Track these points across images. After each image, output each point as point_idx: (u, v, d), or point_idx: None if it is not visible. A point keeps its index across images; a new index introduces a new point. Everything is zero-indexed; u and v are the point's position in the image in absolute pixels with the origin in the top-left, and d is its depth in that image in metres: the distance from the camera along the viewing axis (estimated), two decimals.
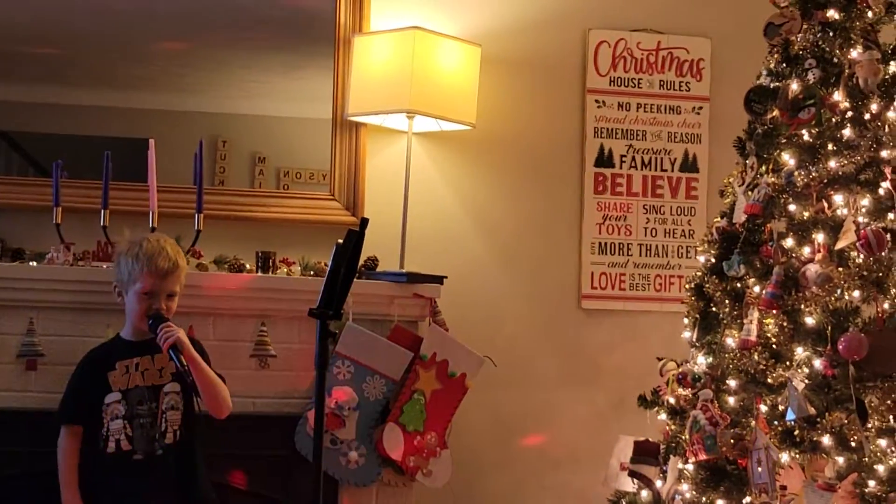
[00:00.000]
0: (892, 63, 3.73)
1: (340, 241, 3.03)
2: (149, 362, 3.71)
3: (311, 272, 4.29)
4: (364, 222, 3.09)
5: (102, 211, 4.10)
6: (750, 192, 3.83)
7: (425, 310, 4.30)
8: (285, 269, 4.30)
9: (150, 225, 4.11)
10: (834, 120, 3.70)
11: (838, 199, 3.60)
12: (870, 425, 3.45)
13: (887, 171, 3.60)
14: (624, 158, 4.88)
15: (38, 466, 3.98)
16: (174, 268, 3.72)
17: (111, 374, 3.71)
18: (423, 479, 4.27)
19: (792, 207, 3.70)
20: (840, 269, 3.54)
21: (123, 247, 3.79)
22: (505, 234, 4.78)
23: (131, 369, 3.71)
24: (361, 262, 4.13)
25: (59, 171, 4.10)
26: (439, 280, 4.33)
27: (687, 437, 3.80)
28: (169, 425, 3.71)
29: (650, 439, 4.10)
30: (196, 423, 3.76)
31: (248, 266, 4.27)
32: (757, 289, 3.73)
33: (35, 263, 4.07)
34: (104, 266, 4.07)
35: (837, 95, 3.69)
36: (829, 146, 3.68)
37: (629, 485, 4.15)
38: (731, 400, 3.76)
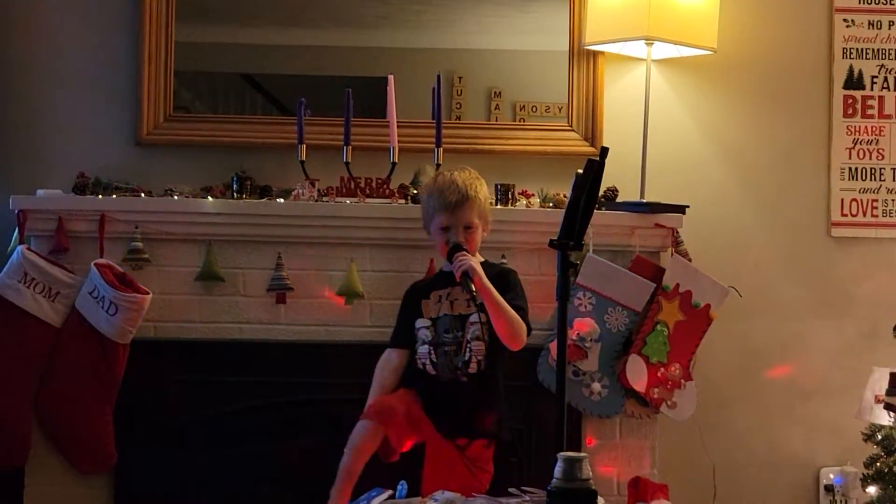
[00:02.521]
0: None
1: (580, 171, 2.95)
2: (460, 293, 3.75)
3: (551, 204, 4.23)
4: (604, 151, 3.01)
5: (344, 147, 4.12)
6: None
7: (667, 240, 4.20)
8: (524, 201, 4.26)
9: (391, 160, 4.12)
10: None
11: None
12: None
13: None
14: (875, 79, 4.59)
15: (285, 397, 4.09)
16: (463, 200, 3.73)
17: (425, 303, 3.82)
18: (668, 410, 4.18)
19: None
20: None
21: (427, 184, 3.85)
22: (748, 160, 4.59)
23: (443, 298, 3.79)
24: (601, 192, 4.01)
25: (303, 110, 4.14)
26: (681, 209, 4.20)
27: None
28: (473, 355, 3.75)
29: None
30: (500, 357, 3.77)
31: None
32: None
33: (282, 200, 4.14)
34: (348, 201, 4.12)
35: None
36: None
37: (885, 418, 4.00)
38: None
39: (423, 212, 3.86)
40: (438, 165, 4.11)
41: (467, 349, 3.74)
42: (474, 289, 3.61)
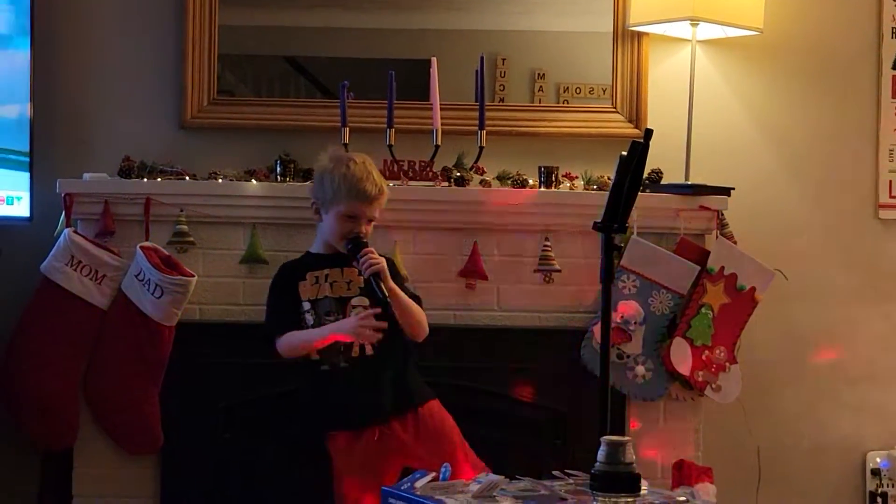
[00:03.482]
0: None
1: (624, 153, 2.94)
2: (338, 274, 3.69)
3: (595, 186, 4.22)
4: (648, 133, 3.00)
5: (388, 130, 4.13)
6: None
7: (712, 222, 4.18)
8: (568, 184, 4.24)
9: (434, 142, 4.12)
10: None
11: None
12: None
13: None
14: None
15: None
16: (379, 194, 3.67)
17: (301, 284, 3.70)
18: (712, 393, 4.17)
19: None
20: None
21: (327, 164, 3.72)
22: (795, 142, 4.55)
23: (321, 280, 3.70)
24: (645, 174, 4.02)
25: (346, 92, 4.15)
26: (726, 191, 4.18)
27: None
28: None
29: None
30: (391, 338, 3.64)
31: (530, 181, 4.23)
32: None
33: None
34: (391, 184, 4.08)
35: None
36: None
37: None
38: None
39: (318, 189, 3.70)
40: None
41: None
42: (385, 290, 3.54)
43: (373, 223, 3.71)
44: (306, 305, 3.70)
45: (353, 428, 3.64)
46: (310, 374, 3.70)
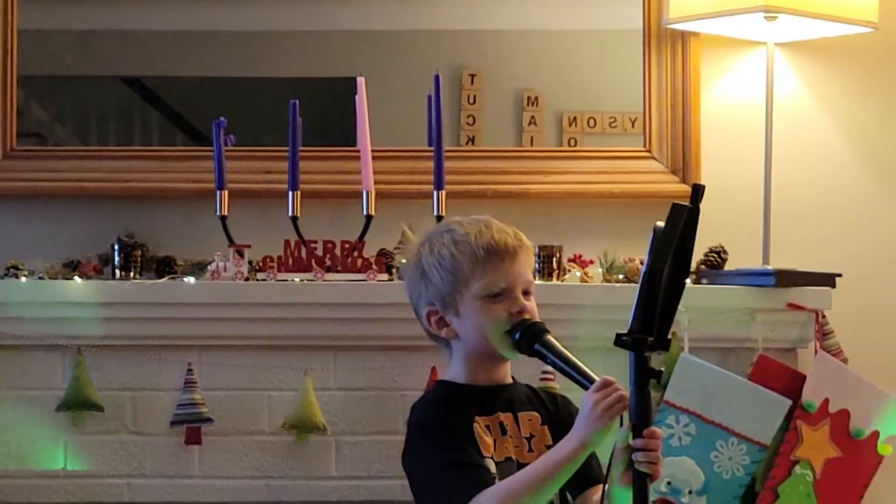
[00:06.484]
0: None
1: (660, 223, 2.93)
2: (512, 424, 3.57)
3: (620, 275, 4.25)
4: (697, 191, 2.97)
5: (290, 193, 4.15)
6: None
7: (808, 329, 4.23)
8: (578, 273, 4.27)
9: (365, 211, 4.14)
10: None
11: None
12: None
13: None
14: None
15: None
16: (520, 243, 3.58)
17: (478, 432, 3.53)
18: None
19: None
20: None
21: (421, 250, 3.63)
22: None
23: (494, 431, 3.57)
24: (699, 256, 4.12)
25: (222, 135, 4.15)
26: (829, 280, 4.22)
27: None
28: None
29: None
30: None
31: None
32: None
33: (192, 280, 4.16)
34: (297, 279, 4.14)
35: None
36: None
37: None
38: None
39: (427, 289, 3.46)
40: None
41: None
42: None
43: (532, 297, 3.58)
44: (490, 464, 3.49)
45: None
46: None
